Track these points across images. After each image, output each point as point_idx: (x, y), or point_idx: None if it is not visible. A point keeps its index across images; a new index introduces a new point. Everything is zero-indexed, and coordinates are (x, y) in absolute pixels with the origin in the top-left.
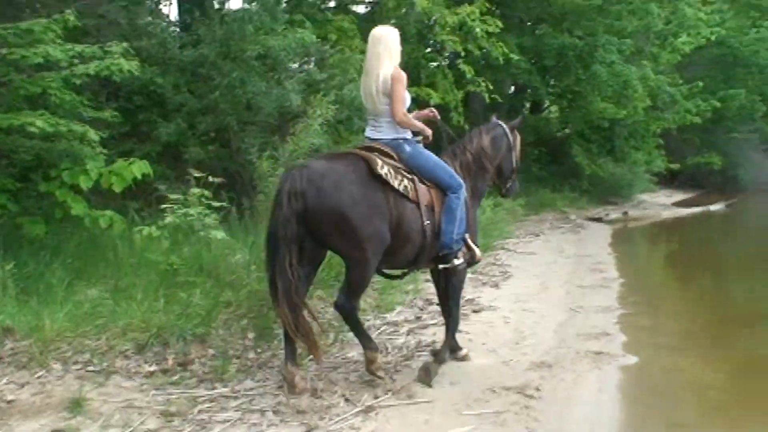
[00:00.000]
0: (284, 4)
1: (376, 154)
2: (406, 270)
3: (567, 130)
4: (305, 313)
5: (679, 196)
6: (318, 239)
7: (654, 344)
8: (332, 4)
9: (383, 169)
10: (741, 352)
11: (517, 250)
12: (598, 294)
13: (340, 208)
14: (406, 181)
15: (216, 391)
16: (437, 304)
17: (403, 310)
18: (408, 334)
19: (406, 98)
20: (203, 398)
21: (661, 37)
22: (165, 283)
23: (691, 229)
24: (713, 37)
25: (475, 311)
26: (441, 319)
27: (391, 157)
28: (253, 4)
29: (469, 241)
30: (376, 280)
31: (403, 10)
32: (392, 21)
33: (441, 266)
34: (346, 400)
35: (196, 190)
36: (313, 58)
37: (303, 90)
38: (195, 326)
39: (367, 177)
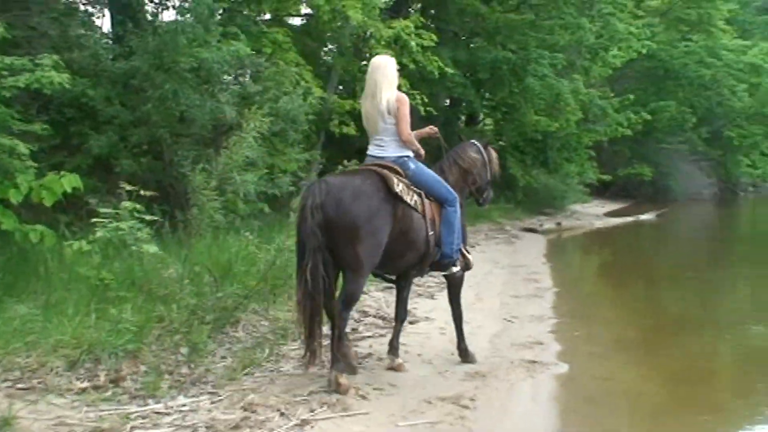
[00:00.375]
0: (218, 17)
1: (386, 170)
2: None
3: (501, 142)
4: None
5: (611, 206)
6: (332, 249)
7: (587, 352)
8: (267, 16)
9: (398, 187)
10: (672, 359)
11: None
12: (533, 303)
13: (353, 218)
14: (416, 197)
15: (148, 407)
16: (374, 316)
17: None
18: None
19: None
20: (136, 415)
21: (592, 51)
22: (96, 299)
23: (623, 239)
24: (644, 51)
25: (411, 323)
26: (377, 331)
27: (399, 174)
28: (187, 16)
29: (464, 250)
30: None
31: (338, 24)
32: (327, 34)
33: (442, 273)
34: (281, 414)
35: (127, 204)
36: (248, 71)
37: (238, 102)
38: (127, 342)
39: (383, 192)
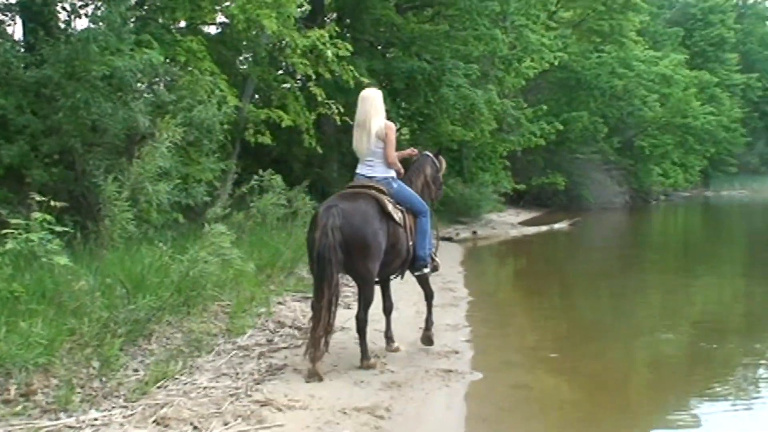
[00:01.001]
0: (131, 25)
1: (377, 192)
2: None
3: None
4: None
5: (526, 215)
6: (345, 263)
7: (502, 360)
8: (182, 24)
9: (389, 207)
10: (586, 366)
11: None
12: (448, 313)
13: (365, 238)
14: (400, 213)
15: (60, 421)
16: (290, 327)
17: (255, 333)
18: (259, 358)
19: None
20: (46, 429)
21: (506, 61)
22: (6, 312)
23: (537, 248)
24: (556, 62)
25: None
26: (293, 342)
27: (385, 193)
28: (99, 24)
29: (433, 254)
30: (227, 304)
31: (254, 32)
32: (243, 43)
33: (415, 274)
34: (195, 427)
35: (38, 215)
36: (161, 79)
37: (151, 111)
38: (38, 355)
39: (380, 213)
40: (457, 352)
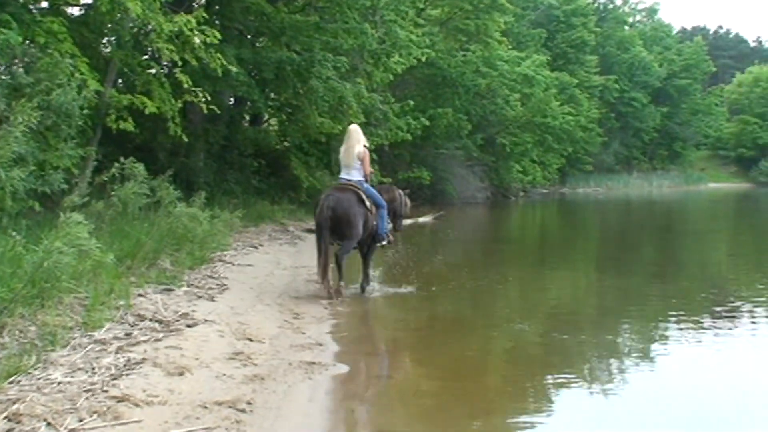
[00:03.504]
0: None
1: (357, 188)
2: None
3: (286, 143)
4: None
5: None
6: (335, 230)
7: (365, 352)
8: (44, 4)
9: (364, 198)
10: (448, 357)
11: (234, 262)
12: (313, 305)
13: (349, 215)
14: (369, 203)
15: None
16: (150, 320)
17: (113, 326)
18: (117, 352)
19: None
20: None
21: (374, 56)
22: None
23: (402, 241)
24: (424, 59)
25: (189, 326)
26: (153, 335)
27: (361, 190)
28: None
29: (389, 234)
30: (84, 296)
31: (118, 15)
32: (107, 26)
33: (377, 244)
34: (48, 424)
35: None
36: (19, 61)
37: (7, 94)
38: None
39: (359, 202)
40: (320, 345)
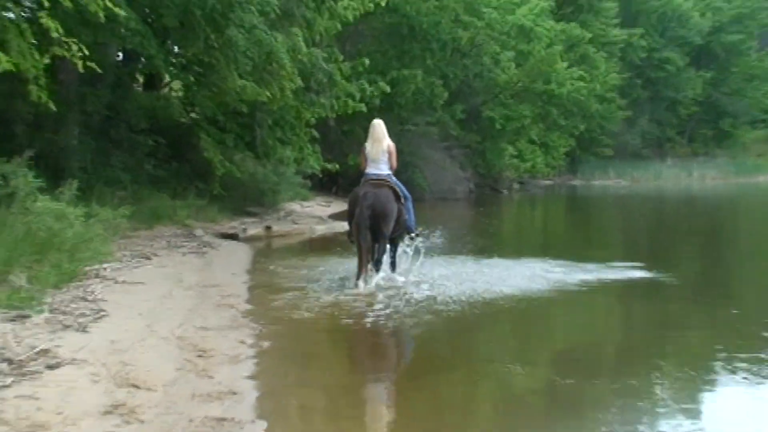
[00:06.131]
0: None
1: (390, 184)
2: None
3: (194, 115)
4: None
5: (340, 205)
6: (373, 228)
7: (295, 405)
8: None
9: (399, 193)
10: (402, 414)
11: (117, 278)
12: (226, 339)
13: (386, 212)
14: (402, 198)
15: None
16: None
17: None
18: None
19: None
20: None
21: None
22: None
23: (349, 250)
24: (384, 2)
25: (50, 367)
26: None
27: (389, 183)
28: None
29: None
30: None
31: None
32: None
33: (407, 236)
34: None
35: None
36: None
37: None
38: None
39: (395, 197)
40: (235, 393)
